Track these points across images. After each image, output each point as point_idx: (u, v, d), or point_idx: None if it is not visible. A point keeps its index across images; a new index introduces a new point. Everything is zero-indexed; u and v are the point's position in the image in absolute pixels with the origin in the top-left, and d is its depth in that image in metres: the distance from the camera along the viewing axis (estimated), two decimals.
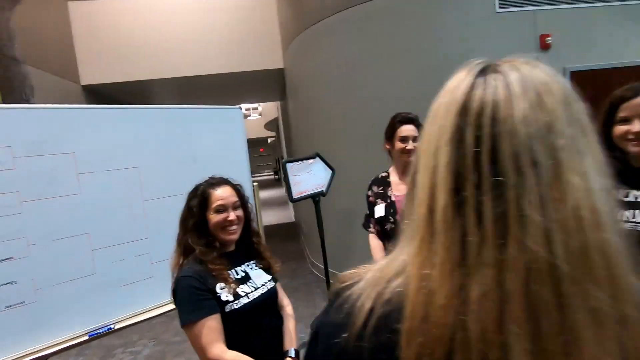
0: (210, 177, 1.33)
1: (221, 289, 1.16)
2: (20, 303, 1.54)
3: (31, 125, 1.58)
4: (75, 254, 1.68)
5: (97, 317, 1.74)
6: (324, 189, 2.90)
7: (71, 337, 1.66)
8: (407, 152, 1.64)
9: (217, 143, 2.17)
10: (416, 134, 1.64)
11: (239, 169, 2.25)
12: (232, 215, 1.23)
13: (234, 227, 1.25)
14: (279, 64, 5.10)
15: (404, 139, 1.65)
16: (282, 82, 5.47)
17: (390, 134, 1.72)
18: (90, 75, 4.76)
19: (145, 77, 4.82)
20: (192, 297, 1.12)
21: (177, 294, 1.16)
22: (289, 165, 2.68)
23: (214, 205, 1.23)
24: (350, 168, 3.30)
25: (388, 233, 1.68)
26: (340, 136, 3.57)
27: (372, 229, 1.80)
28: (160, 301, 1.92)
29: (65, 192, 1.65)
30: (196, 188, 1.30)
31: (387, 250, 1.69)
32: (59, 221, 1.63)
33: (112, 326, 1.76)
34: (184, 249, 1.24)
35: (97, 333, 1.72)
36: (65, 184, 1.65)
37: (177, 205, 2.07)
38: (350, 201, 3.33)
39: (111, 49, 4.81)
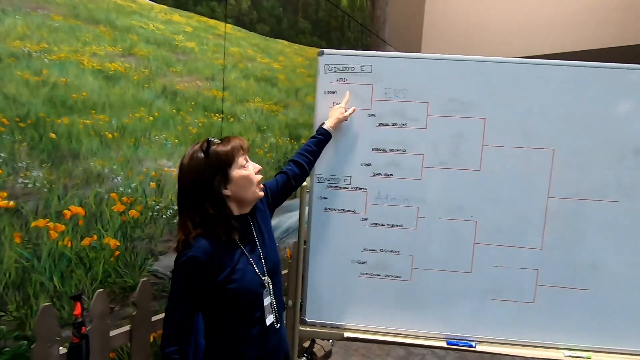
0: None
1: None
2: (397, 277, 1.39)
3: (450, 80, 1.33)
4: (456, 242, 1.37)
5: (459, 325, 1.39)
6: None
7: (429, 336, 1.40)
8: None
9: None
10: None
11: None
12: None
13: None
14: None
15: None
16: None
17: None
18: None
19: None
20: None
21: None
22: None
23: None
24: None
25: None
26: None
27: None
28: (534, 339, 1.37)
29: (467, 165, 1.34)
30: None
31: None
32: (451, 198, 1.35)
33: (473, 344, 1.38)
34: None
35: (456, 344, 1.38)
36: (468, 155, 1.34)
37: (592, 214, 1.29)
38: None
39: (457, 34, 4.65)
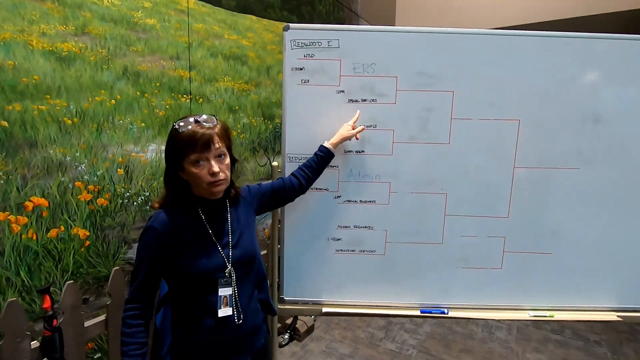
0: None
1: None
2: (372, 251, 1.42)
3: (418, 53, 1.32)
4: (428, 214, 1.40)
5: (432, 293, 1.45)
6: None
7: (404, 306, 1.45)
8: None
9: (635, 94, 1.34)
10: None
11: None
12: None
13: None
14: None
15: None
16: None
17: None
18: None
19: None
20: None
21: None
22: None
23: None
24: None
25: None
26: None
27: None
28: (502, 302, 1.44)
29: (436, 138, 1.35)
30: None
31: None
32: (422, 172, 1.37)
33: (445, 310, 1.44)
34: None
35: (430, 312, 1.44)
36: (438, 129, 1.35)
37: (555, 182, 1.35)
38: None
39: (430, 6, 4.58)
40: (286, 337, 2.36)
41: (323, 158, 1.24)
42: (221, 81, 2.27)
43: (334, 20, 3.54)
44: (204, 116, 0.90)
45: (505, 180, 1.39)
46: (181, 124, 0.88)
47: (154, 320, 1.08)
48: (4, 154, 1.35)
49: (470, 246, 1.42)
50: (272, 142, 2.72)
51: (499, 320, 2.65)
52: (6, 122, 1.35)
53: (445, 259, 1.42)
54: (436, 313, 1.44)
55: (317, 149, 1.26)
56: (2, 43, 1.32)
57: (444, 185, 1.38)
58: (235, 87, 2.39)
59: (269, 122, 2.67)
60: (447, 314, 1.44)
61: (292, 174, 1.22)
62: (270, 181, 1.19)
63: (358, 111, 1.31)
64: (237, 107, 2.41)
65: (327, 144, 1.25)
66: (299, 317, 2.42)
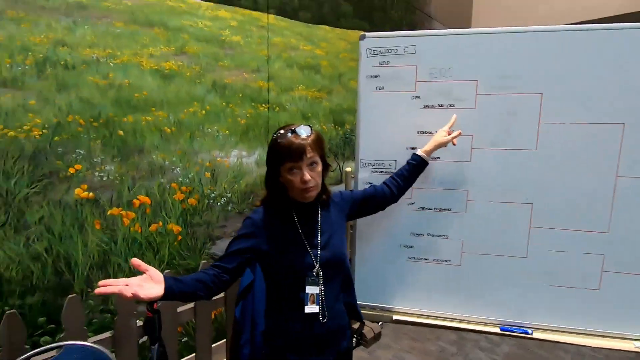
0: None
1: None
2: (446, 261, 1.37)
3: (500, 55, 1.25)
4: (510, 225, 1.31)
5: (513, 311, 1.34)
6: None
7: (481, 321, 1.37)
8: None
9: None
10: None
11: None
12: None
13: None
14: None
15: None
16: None
17: None
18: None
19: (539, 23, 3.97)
20: None
21: None
22: None
23: None
24: None
25: None
26: None
27: None
28: (600, 328, 1.28)
29: (521, 144, 1.26)
30: None
31: None
32: (503, 180, 1.29)
33: (529, 330, 1.33)
34: None
35: (510, 330, 1.34)
36: (523, 134, 1.26)
37: None
38: None
39: (509, 4, 4.27)
40: (352, 341, 2.37)
41: (416, 167, 1.21)
42: (296, 90, 2.39)
43: (406, 24, 3.49)
44: (301, 127, 0.96)
45: (605, 190, 1.24)
46: (281, 132, 0.96)
47: (234, 312, 1.18)
48: (119, 159, 1.59)
49: (560, 262, 1.29)
50: (342, 147, 2.77)
51: (593, 349, 2.34)
52: (122, 132, 1.59)
53: (529, 275, 1.31)
54: (518, 332, 1.33)
55: (409, 157, 1.23)
56: (121, 65, 1.57)
57: (529, 195, 1.28)
58: (308, 95, 2.49)
59: (339, 128, 2.73)
60: (531, 334, 1.32)
61: (384, 182, 1.20)
62: (363, 189, 1.21)
63: (454, 115, 1.26)
64: (310, 115, 2.51)
65: (420, 152, 1.22)
66: (366, 323, 2.42)
